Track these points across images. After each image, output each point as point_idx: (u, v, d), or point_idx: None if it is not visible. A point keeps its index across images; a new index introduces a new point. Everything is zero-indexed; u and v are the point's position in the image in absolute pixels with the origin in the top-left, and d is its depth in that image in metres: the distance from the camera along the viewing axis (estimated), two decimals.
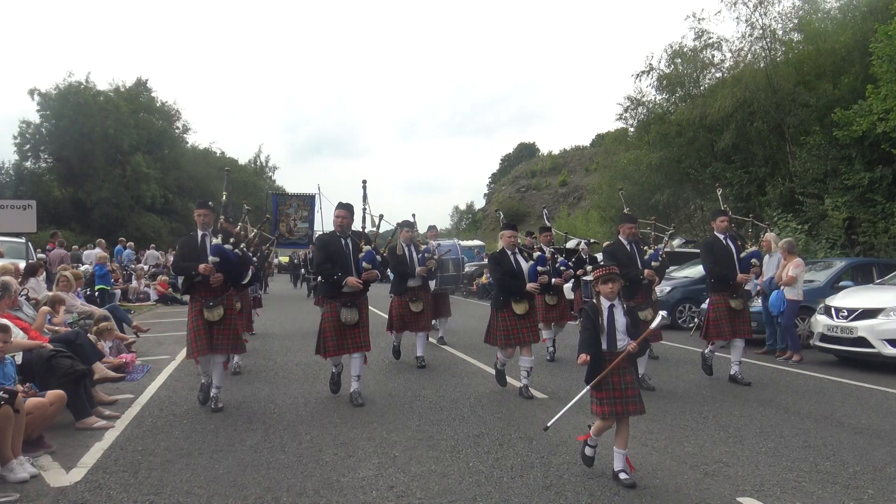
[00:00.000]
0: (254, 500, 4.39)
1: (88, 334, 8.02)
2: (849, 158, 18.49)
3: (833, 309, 9.81)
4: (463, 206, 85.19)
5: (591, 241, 13.34)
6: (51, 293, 9.21)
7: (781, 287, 10.24)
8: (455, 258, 11.34)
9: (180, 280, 7.99)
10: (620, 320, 4.75)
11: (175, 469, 4.98)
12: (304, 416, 6.70)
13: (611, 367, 4.61)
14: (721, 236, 8.31)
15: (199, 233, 6.91)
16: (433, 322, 11.23)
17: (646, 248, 8.14)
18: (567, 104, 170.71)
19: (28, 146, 46.93)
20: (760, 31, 21.51)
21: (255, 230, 8.99)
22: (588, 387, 4.70)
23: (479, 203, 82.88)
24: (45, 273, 12.72)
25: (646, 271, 7.72)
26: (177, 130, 55.22)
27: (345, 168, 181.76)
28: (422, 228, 11.76)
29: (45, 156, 47.33)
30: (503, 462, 5.15)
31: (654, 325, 4.83)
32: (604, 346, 4.71)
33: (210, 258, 6.62)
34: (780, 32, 21.63)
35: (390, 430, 6.08)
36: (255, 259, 8.17)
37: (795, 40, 21.85)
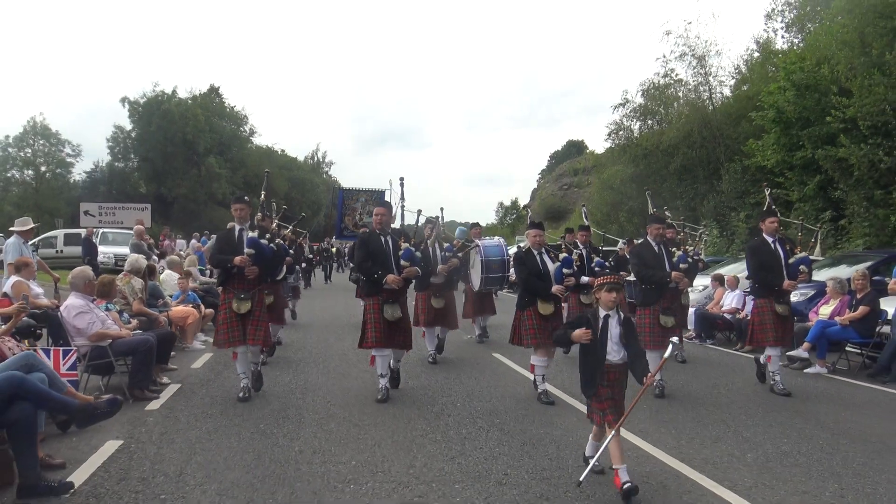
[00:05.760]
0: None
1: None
2: (759, 182, 23.91)
3: None
4: (508, 202, 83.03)
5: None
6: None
7: None
8: (500, 258, 10.79)
9: (216, 273, 8.45)
10: (614, 331, 4.65)
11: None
12: (333, 410, 6.72)
13: (633, 405, 4.59)
14: (769, 239, 7.87)
15: (237, 227, 7.05)
16: (479, 319, 11.67)
17: (674, 249, 7.95)
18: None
19: (118, 149, 54.92)
20: (701, 78, 27.13)
21: (289, 226, 9.82)
22: (601, 448, 4.56)
23: (525, 199, 77.04)
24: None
25: (674, 274, 7.48)
26: (243, 133, 62.35)
27: (408, 160, 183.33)
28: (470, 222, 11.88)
29: (133, 157, 55.23)
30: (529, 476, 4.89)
31: (665, 354, 4.76)
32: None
33: (245, 250, 6.76)
34: (714, 82, 27.25)
35: (411, 429, 6.07)
36: (290, 253, 9.22)
37: (731, 84, 27.43)
